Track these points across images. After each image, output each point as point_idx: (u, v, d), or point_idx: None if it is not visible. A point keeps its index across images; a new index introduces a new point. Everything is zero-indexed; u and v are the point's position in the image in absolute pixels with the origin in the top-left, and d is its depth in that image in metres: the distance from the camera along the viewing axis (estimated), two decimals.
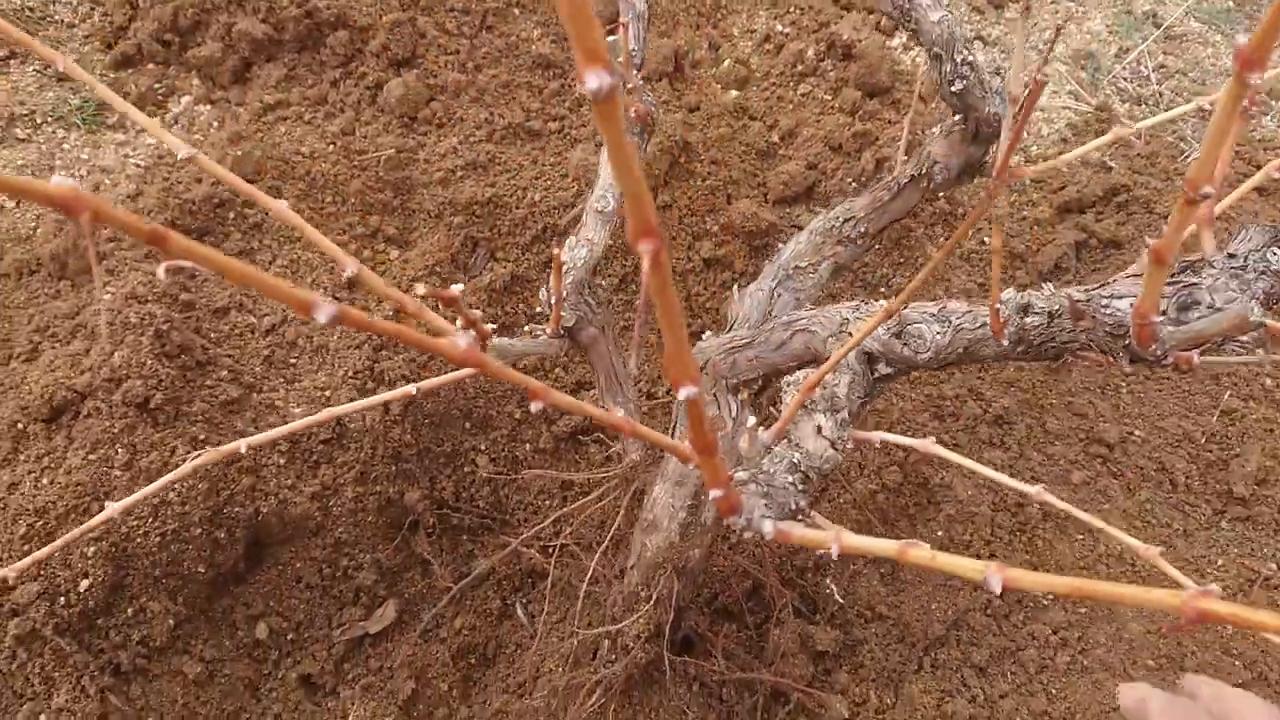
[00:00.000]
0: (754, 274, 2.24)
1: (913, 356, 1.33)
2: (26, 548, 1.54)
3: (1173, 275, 1.05)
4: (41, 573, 1.55)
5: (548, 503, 2.06)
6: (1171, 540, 1.94)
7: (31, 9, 2.43)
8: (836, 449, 1.20)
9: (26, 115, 2.24)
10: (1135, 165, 2.37)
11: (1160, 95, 2.72)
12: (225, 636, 1.77)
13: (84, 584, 1.57)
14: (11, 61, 2.32)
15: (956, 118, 1.68)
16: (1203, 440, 2.06)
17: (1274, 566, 1.88)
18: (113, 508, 1.04)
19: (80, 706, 1.55)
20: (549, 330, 1.54)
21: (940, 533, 2.04)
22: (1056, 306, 1.13)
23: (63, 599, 1.56)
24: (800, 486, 1.12)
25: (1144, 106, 2.68)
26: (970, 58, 1.59)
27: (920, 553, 0.58)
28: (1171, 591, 0.44)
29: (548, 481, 2.05)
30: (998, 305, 1.15)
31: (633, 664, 1.78)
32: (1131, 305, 1.05)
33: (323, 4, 2.35)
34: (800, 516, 1.07)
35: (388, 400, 1.30)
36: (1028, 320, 1.16)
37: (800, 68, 2.46)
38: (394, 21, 2.35)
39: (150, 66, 2.38)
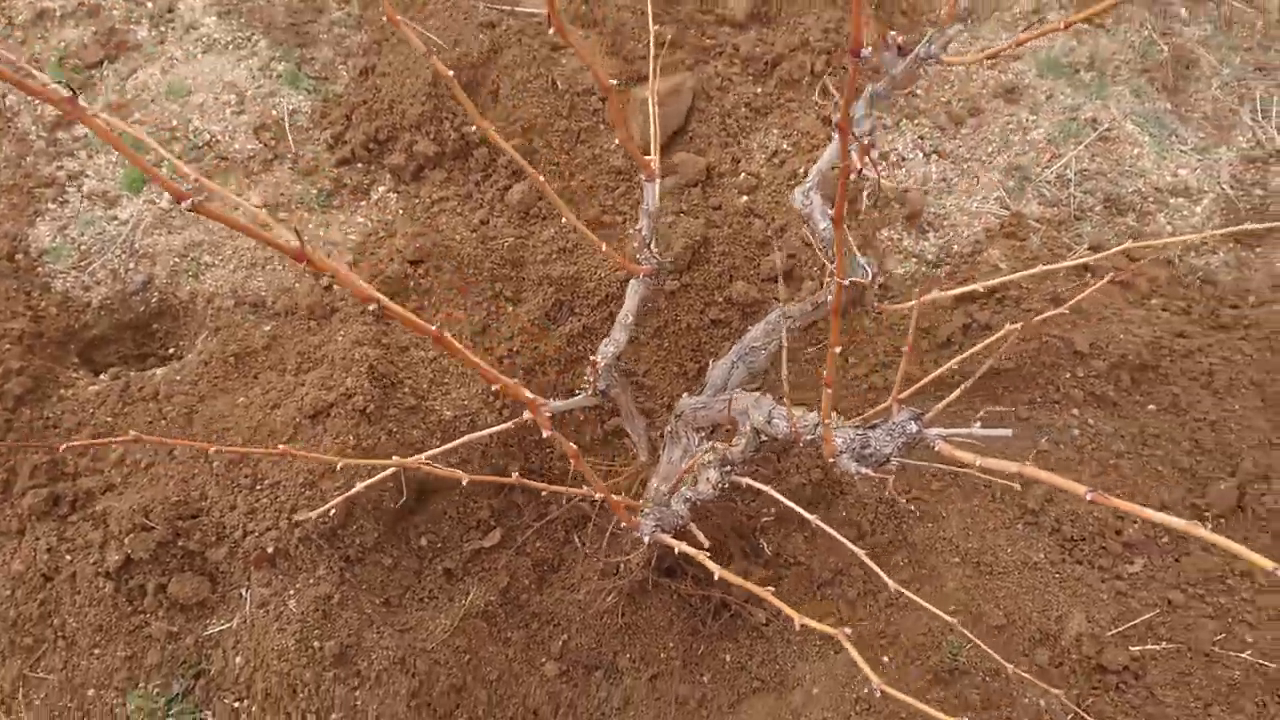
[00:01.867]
0: (743, 331, 3.37)
1: (775, 435, 2.48)
2: (305, 492, 2.86)
3: (860, 429, 2.17)
4: (312, 505, 2.86)
5: (597, 473, 3.28)
6: (984, 534, 3.04)
7: (291, 112, 3.68)
8: (714, 490, 2.38)
9: (285, 202, 3.52)
10: (1020, 266, 3.38)
11: (1074, 198, 3.68)
12: (402, 543, 3.08)
13: (332, 513, 2.87)
14: (274, 163, 3.59)
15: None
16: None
17: (1041, 556, 2.98)
18: (361, 485, 2.31)
19: (329, 576, 2.88)
20: (590, 391, 2.74)
21: (843, 513, 3.18)
22: (815, 434, 2.26)
23: (322, 520, 2.88)
24: (688, 512, 2.31)
25: (1057, 208, 3.64)
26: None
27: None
28: None
29: (599, 464, 3.27)
30: (799, 426, 2.29)
31: (635, 580, 3.01)
32: (843, 441, 2.18)
33: (470, 130, 3.54)
34: (683, 527, 2.27)
35: (497, 431, 2.54)
36: (808, 436, 2.29)
37: (793, 181, 3.52)
38: (517, 145, 3.52)
39: (359, 165, 3.62)
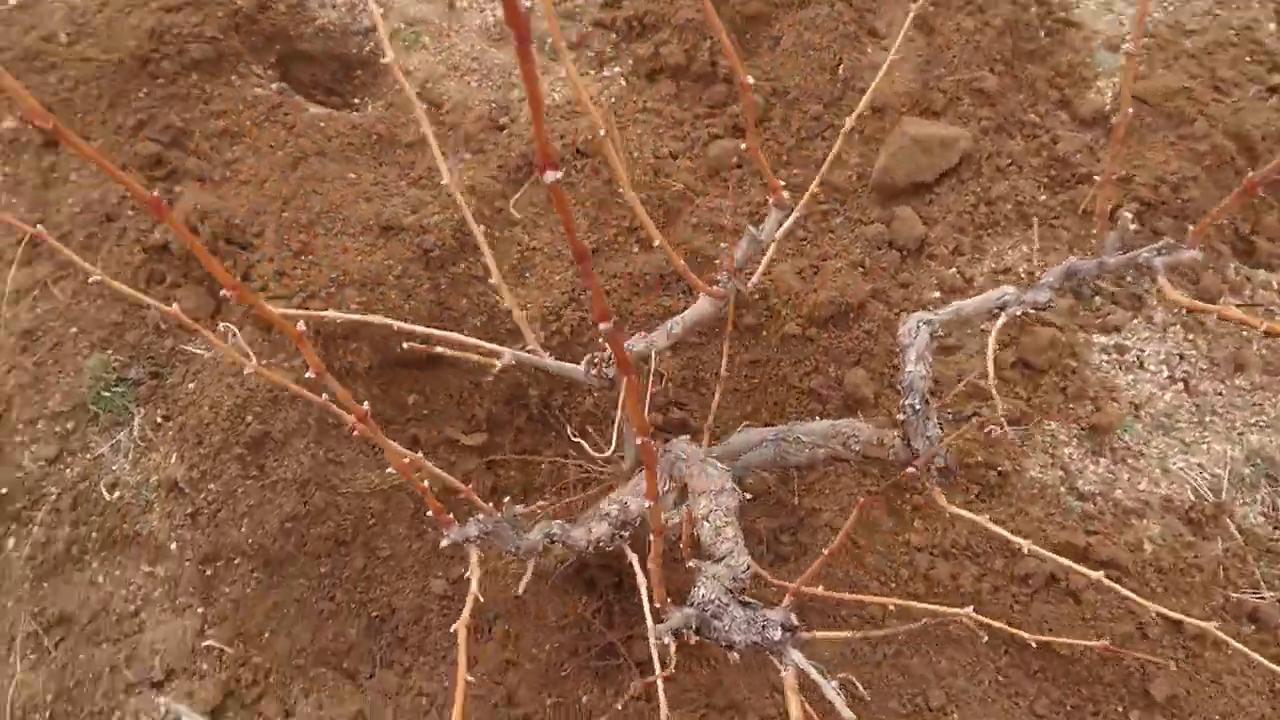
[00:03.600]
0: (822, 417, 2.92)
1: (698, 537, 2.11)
2: (329, 288, 2.81)
3: (730, 594, 1.77)
4: (330, 300, 2.81)
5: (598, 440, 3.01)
6: None
7: None
8: (591, 544, 2.07)
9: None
10: (1168, 559, 2.67)
11: None
12: (391, 389, 2.98)
13: (339, 322, 2.81)
14: None
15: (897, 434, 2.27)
16: None
17: None
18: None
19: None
20: (597, 373, 2.46)
21: None
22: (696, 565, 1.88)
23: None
24: (539, 544, 2.03)
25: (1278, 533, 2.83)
26: (917, 405, 2.17)
27: None
28: None
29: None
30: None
31: (559, 567, 2.77)
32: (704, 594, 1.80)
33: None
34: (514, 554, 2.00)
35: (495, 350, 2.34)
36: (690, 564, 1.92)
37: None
38: (757, 101, 3.15)
39: (614, 36, 3.40)
